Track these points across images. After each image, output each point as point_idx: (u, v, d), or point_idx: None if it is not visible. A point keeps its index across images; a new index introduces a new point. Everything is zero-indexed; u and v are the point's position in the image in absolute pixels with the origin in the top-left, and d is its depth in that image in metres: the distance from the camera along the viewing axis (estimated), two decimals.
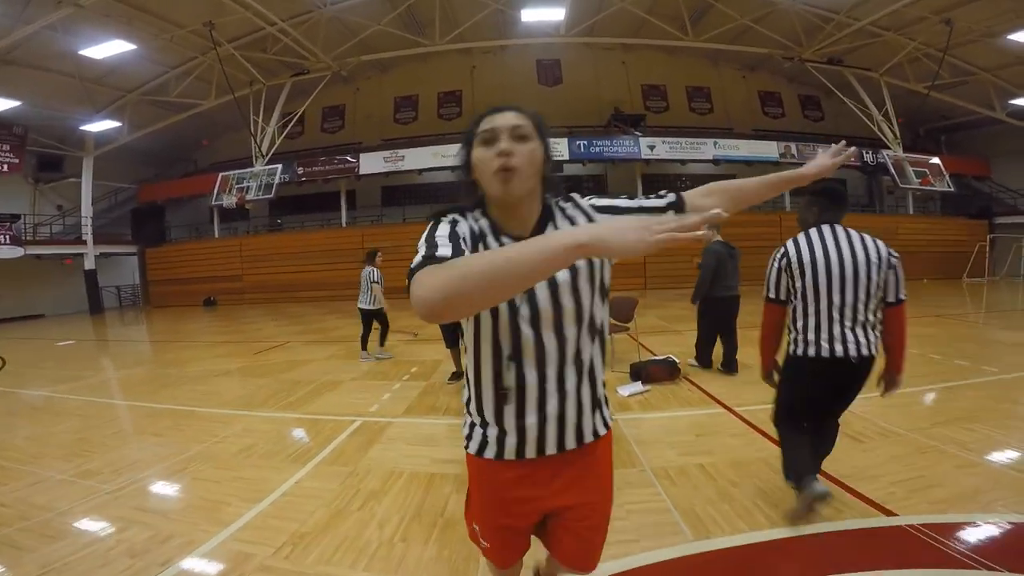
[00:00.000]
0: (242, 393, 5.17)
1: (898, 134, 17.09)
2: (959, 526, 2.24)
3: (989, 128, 19.02)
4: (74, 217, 19.04)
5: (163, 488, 3.09)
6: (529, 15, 14.15)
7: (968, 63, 16.09)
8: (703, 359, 5.23)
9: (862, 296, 2.11)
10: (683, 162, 17.64)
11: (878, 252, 2.12)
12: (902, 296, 2.16)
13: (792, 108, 21.45)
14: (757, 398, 4.16)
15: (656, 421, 3.76)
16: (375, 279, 6.24)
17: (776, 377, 2.45)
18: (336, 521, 2.54)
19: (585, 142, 17.09)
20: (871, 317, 2.15)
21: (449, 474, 2.99)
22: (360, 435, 3.73)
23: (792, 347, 2.28)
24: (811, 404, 2.31)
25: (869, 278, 2.10)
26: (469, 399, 1.21)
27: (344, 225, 18.94)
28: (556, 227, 1.09)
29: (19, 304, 17.37)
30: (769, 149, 17.56)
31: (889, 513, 2.41)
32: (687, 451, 3.21)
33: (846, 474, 2.82)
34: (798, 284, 2.21)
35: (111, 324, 14.37)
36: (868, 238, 2.18)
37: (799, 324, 2.23)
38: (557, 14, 14.21)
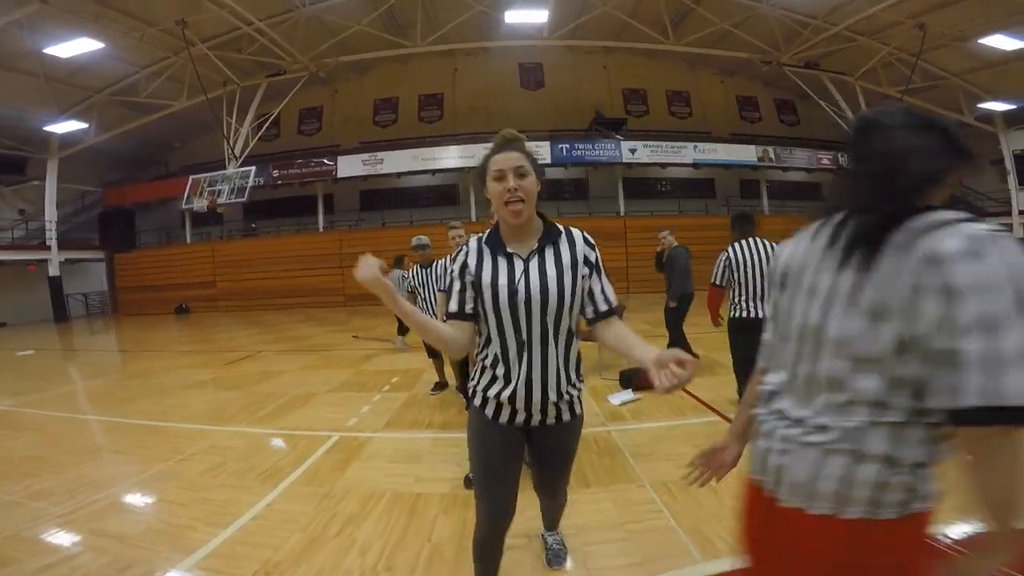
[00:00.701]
0: (211, 406, 4.86)
1: None
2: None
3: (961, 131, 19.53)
4: (37, 221, 18.22)
5: (122, 510, 2.83)
6: (513, 16, 14.04)
7: (938, 68, 16.48)
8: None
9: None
10: (663, 165, 17.71)
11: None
12: None
13: (769, 112, 21.78)
14: None
15: (650, 431, 3.60)
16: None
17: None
18: (312, 549, 2.32)
19: (567, 145, 17.03)
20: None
21: (435, 494, 2.78)
22: (337, 452, 3.49)
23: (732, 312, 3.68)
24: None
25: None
26: None
27: (321, 230, 18.51)
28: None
29: None
30: (747, 153, 17.76)
31: None
32: (686, 463, 3.04)
33: None
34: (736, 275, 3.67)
35: (76, 333, 13.73)
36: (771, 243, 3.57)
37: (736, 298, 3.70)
38: (540, 16, 14.13)
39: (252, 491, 2.99)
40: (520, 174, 1.36)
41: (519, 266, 1.41)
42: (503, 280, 1.40)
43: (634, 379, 4.44)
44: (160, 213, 20.60)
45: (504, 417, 1.50)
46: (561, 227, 1.48)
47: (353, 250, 16.92)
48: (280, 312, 15.76)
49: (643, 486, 2.81)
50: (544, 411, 1.48)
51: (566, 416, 1.53)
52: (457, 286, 1.47)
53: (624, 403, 4.17)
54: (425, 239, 4.41)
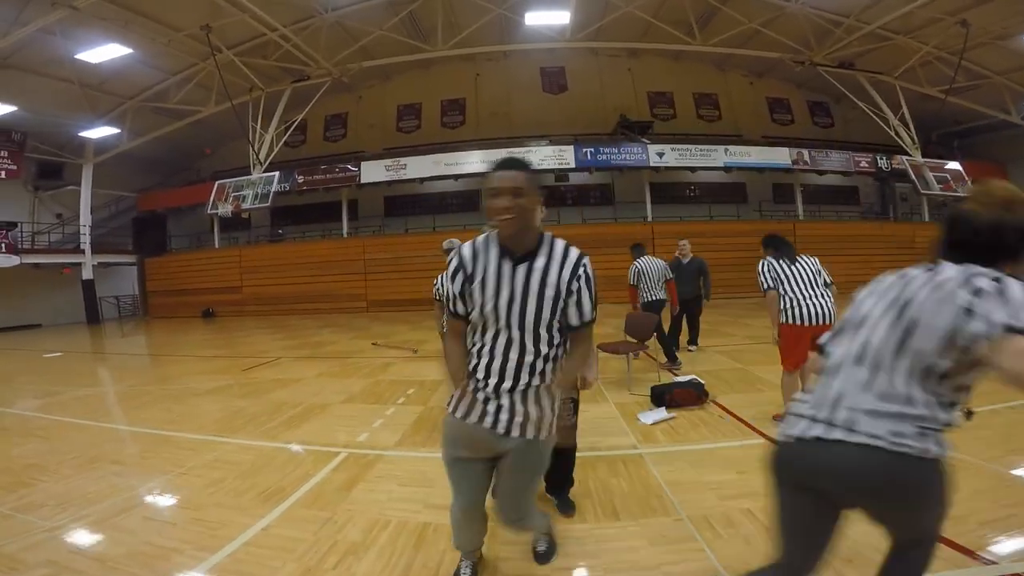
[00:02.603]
0: (221, 416, 4.68)
1: (916, 139, 16.57)
2: None
3: (1003, 132, 18.50)
4: (73, 226, 18.76)
5: (108, 528, 2.64)
6: (533, 19, 13.82)
7: (980, 66, 15.67)
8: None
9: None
10: (693, 169, 17.17)
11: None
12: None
13: (801, 114, 21.02)
14: None
15: (688, 455, 3.23)
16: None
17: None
18: None
19: (592, 149, 16.67)
20: None
21: (444, 524, 2.46)
22: (344, 471, 3.23)
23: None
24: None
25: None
26: None
27: (345, 235, 18.54)
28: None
29: (16, 314, 17.03)
30: (781, 156, 17.07)
31: (987, 562, 2.00)
32: (730, 493, 2.70)
33: None
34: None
35: (105, 336, 13.97)
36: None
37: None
38: (562, 18, 13.87)
39: (249, 512, 2.76)
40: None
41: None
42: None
43: (667, 395, 4.07)
44: (191, 218, 21.00)
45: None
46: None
47: (376, 256, 16.91)
48: (304, 317, 15.78)
49: (680, 519, 2.47)
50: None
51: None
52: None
53: (657, 422, 3.79)
54: (457, 242, 3.72)
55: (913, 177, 15.78)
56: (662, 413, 3.91)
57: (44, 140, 16.84)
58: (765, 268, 3.73)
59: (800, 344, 3.49)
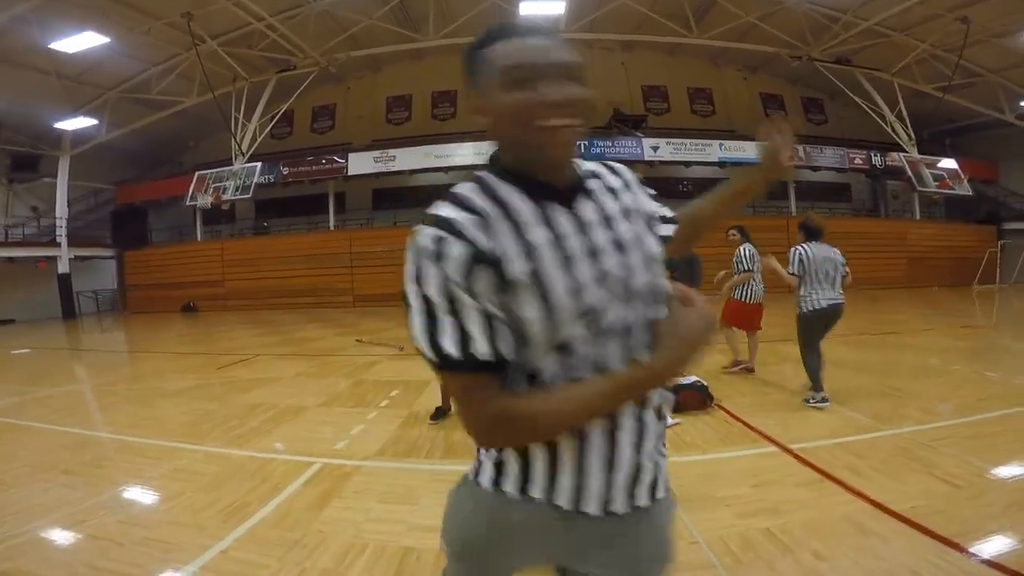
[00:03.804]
0: (188, 419, 4.33)
1: (912, 136, 16.50)
2: None
3: (996, 131, 18.55)
4: (50, 219, 18.13)
5: (45, 548, 2.33)
6: (528, 8, 13.48)
7: (975, 64, 15.64)
8: None
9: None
10: (687, 164, 16.97)
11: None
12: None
13: (795, 111, 20.88)
14: (813, 431, 3.41)
15: (697, 467, 2.95)
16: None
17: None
18: None
19: (585, 143, 16.38)
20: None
21: (429, 549, 2.17)
22: (317, 484, 2.91)
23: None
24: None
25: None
26: None
27: (332, 228, 18.10)
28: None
29: None
30: None
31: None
32: (746, 510, 2.42)
33: (959, 532, 2.11)
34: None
35: (80, 331, 13.46)
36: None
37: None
38: (557, 7, 13.55)
39: (207, 531, 2.43)
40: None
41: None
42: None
43: (671, 400, 3.77)
44: (173, 211, 20.38)
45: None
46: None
47: (363, 249, 16.49)
48: (288, 312, 15.33)
49: (696, 543, 2.19)
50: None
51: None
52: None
53: None
54: None
55: (910, 174, 15.71)
56: (667, 418, 3.61)
57: (19, 131, 16.26)
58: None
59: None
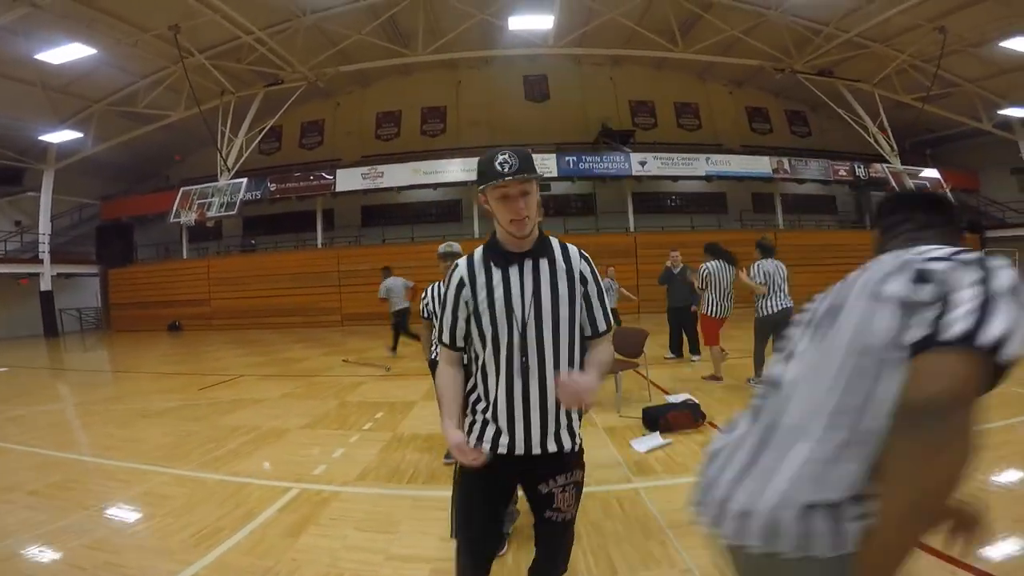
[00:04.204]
0: (165, 441, 4.17)
1: (895, 146, 16.77)
2: None
3: (975, 140, 18.95)
4: (33, 234, 17.80)
5: (4, 572, 2.25)
6: (516, 23, 13.60)
7: (953, 74, 15.99)
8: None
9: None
10: (675, 179, 17.11)
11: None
12: None
13: (780, 124, 21.26)
14: None
15: (689, 489, 2.85)
16: None
17: None
18: None
19: (574, 158, 16.48)
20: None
21: None
22: (293, 510, 2.78)
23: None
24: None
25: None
26: None
27: (320, 246, 17.93)
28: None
29: None
30: (761, 165, 17.13)
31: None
32: None
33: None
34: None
35: (60, 350, 13.13)
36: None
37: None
38: (545, 22, 13.68)
39: (174, 557, 2.32)
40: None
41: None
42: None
43: (661, 419, 3.69)
44: (159, 228, 20.10)
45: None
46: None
47: (351, 268, 16.32)
48: (275, 331, 15.09)
49: (689, 570, 2.09)
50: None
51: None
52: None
53: (651, 449, 3.40)
54: (456, 246, 3.05)
55: (893, 184, 15.91)
56: (656, 439, 3.52)
57: (3, 144, 16.00)
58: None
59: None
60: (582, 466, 1.44)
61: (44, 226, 17.27)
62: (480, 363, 1.38)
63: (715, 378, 5.46)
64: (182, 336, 15.59)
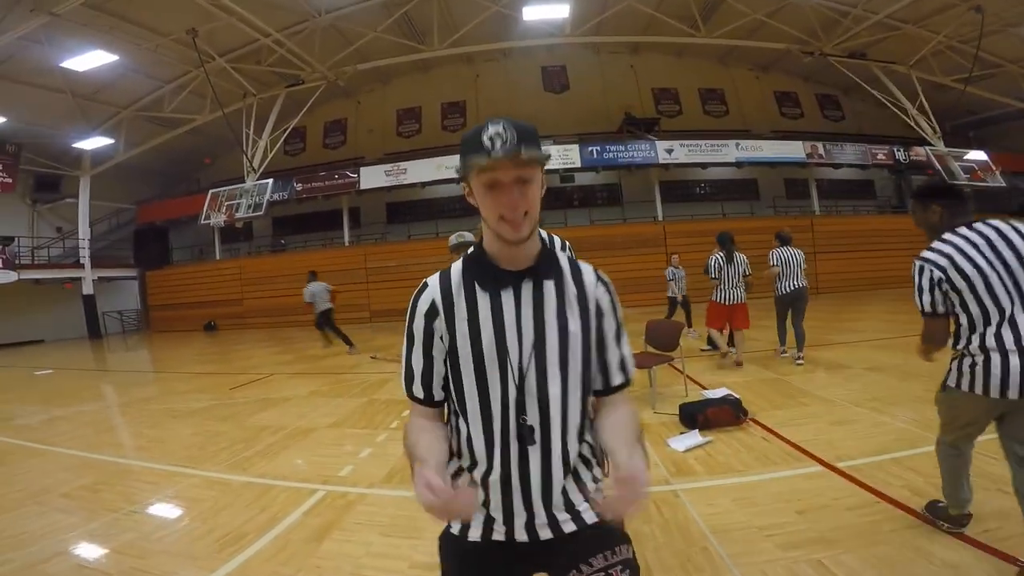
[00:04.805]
0: (193, 442, 4.19)
1: (937, 128, 15.89)
2: None
3: (1020, 122, 17.85)
4: (74, 239, 18.51)
5: None
6: (531, 13, 13.35)
7: (994, 55, 15.13)
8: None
9: None
10: (704, 166, 16.59)
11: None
12: None
13: (811, 108, 20.42)
14: (860, 446, 3.09)
15: (732, 491, 2.66)
16: None
17: None
18: None
19: (597, 148, 16.14)
20: None
21: None
22: (319, 514, 2.70)
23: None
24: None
25: None
26: None
27: (347, 244, 18.09)
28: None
29: (17, 329, 16.81)
30: (794, 149, 16.43)
31: None
32: (791, 540, 2.14)
33: None
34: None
35: (103, 351, 13.61)
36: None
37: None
38: (561, 11, 13.39)
39: (199, 563, 2.28)
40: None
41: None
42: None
43: (699, 416, 3.48)
44: (193, 230, 20.61)
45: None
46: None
47: (379, 264, 16.43)
48: (305, 329, 15.28)
49: None
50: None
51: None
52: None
53: (690, 448, 3.21)
54: (469, 236, 2.84)
55: (938, 167, 15.07)
56: (696, 437, 3.31)
57: (40, 152, 16.62)
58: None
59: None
60: (627, 539, 1.00)
61: (84, 231, 17.91)
62: (461, 423, 1.01)
63: (713, 348, 6.26)
64: (217, 335, 15.98)
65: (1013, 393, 1.68)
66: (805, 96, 20.40)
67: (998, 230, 1.83)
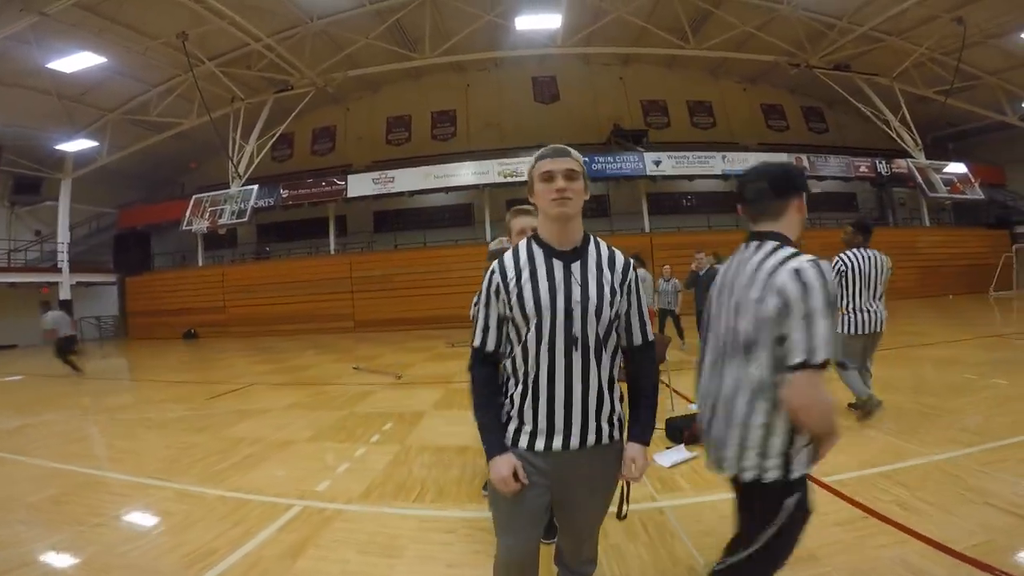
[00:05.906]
0: (167, 454, 4.04)
1: (919, 140, 16.25)
2: None
3: (999, 134, 18.36)
4: (52, 243, 18.07)
5: None
6: (523, 23, 13.45)
7: (974, 67, 15.52)
8: None
9: None
10: (691, 178, 16.77)
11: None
12: None
13: (796, 120, 20.81)
14: (848, 461, 3.06)
15: (720, 508, 2.55)
16: None
17: None
18: None
19: (586, 159, 16.13)
20: None
21: None
22: (293, 530, 2.59)
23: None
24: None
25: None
26: None
27: (332, 252, 17.90)
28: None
29: None
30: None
31: None
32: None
33: None
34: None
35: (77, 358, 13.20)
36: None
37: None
38: (553, 21, 13.51)
39: None
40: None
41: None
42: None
43: (685, 430, 3.43)
44: (175, 235, 20.23)
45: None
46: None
47: (364, 273, 16.26)
48: (288, 338, 15.04)
49: None
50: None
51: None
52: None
53: (676, 464, 3.16)
54: (507, 241, 2.74)
55: (919, 180, 15.40)
56: (682, 453, 3.26)
57: (21, 154, 16.27)
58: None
59: None
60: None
61: (63, 235, 17.51)
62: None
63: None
64: (197, 344, 15.64)
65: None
66: (791, 108, 20.79)
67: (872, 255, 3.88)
